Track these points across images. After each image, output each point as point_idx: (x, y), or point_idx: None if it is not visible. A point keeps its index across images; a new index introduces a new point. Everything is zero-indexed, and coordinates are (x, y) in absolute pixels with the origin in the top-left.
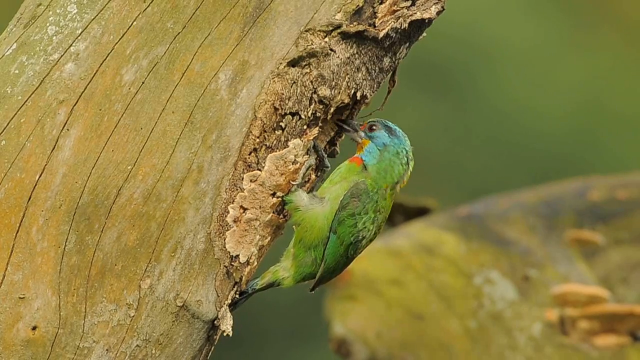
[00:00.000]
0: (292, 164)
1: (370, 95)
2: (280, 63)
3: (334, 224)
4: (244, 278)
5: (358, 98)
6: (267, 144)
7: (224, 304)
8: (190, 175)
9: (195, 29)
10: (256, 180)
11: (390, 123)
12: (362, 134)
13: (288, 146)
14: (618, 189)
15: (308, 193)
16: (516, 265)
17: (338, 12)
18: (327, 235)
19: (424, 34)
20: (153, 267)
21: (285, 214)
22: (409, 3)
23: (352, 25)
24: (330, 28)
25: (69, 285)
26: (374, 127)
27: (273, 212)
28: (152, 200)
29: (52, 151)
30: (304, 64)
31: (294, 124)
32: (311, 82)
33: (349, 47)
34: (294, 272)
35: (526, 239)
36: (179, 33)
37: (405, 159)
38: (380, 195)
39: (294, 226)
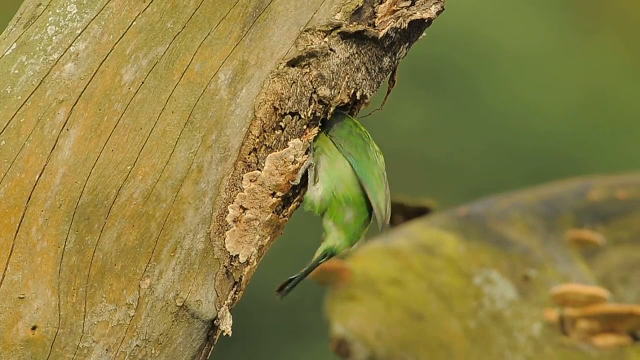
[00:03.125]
0: (292, 163)
1: (370, 95)
2: (280, 63)
3: (342, 149)
4: (243, 278)
5: (358, 98)
6: (267, 143)
7: (224, 303)
8: (190, 175)
9: (195, 28)
10: (256, 180)
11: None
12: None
13: (288, 146)
14: (618, 189)
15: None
16: (516, 265)
17: (338, 12)
18: (356, 178)
19: (424, 34)
20: (153, 267)
21: (285, 213)
22: (408, 3)
23: (351, 25)
24: (330, 28)
25: (68, 285)
26: None
27: (273, 212)
28: (151, 200)
29: (51, 151)
30: (304, 63)
31: (293, 123)
32: (311, 82)
33: (348, 47)
34: (346, 235)
35: (526, 239)
36: (178, 33)
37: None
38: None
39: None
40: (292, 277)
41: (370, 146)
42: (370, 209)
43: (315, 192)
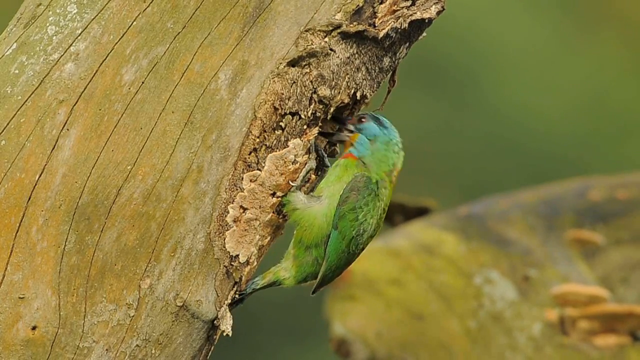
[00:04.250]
0: (292, 163)
1: (370, 95)
2: (280, 63)
3: (335, 219)
4: (243, 278)
5: (358, 98)
6: (267, 143)
7: (224, 303)
8: (190, 175)
9: (195, 28)
10: (256, 180)
11: (379, 115)
12: (352, 127)
13: (288, 146)
14: (618, 189)
15: (307, 194)
16: (516, 265)
17: (338, 12)
18: (327, 233)
19: (424, 34)
20: (153, 267)
21: (285, 213)
22: (409, 3)
23: (352, 25)
24: (330, 28)
25: (68, 285)
26: (363, 120)
27: (273, 212)
28: (152, 200)
29: (52, 151)
30: (304, 63)
31: (293, 123)
32: (311, 82)
33: (349, 47)
34: (295, 273)
35: (526, 239)
36: (179, 33)
37: (397, 147)
38: (381, 185)
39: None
40: (243, 292)
41: (366, 235)
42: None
43: (298, 201)
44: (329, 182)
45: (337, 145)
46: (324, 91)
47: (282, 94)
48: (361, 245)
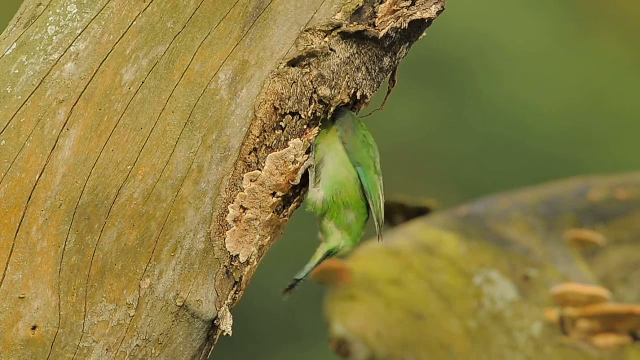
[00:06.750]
0: (292, 163)
1: (370, 95)
2: (281, 63)
3: (352, 158)
4: (244, 278)
5: (358, 98)
6: (267, 143)
7: (224, 303)
8: (190, 175)
9: (195, 29)
10: (256, 180)
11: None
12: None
13: (288, 146)
14: (618, 189)
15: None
16: (516, 265)
17: (338, 12)
18: (355, 179)
19: (424, 34)
20: (153, 267)
21: (286, 213)
22: (409, 3)
23: (352, 25)
24: (330, 28)
25: (69, 285)
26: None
27: (273, 212)
28: (152, 200)
29: (52, 151)
30: (304, 64)
31: (294, 123)
32: (311, 82)
33: (349, 47)
34: (350, 235)
35: (526, 239)
36: (179, 33)
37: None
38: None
39: (317, 206)
40: (297, 277)
41: (378, 158)
42: (369, 209)
43: (317, 194)
44: (319, 148)
45: None
46: (324, 91)
47: (283, 94)
48: (379, 165)
